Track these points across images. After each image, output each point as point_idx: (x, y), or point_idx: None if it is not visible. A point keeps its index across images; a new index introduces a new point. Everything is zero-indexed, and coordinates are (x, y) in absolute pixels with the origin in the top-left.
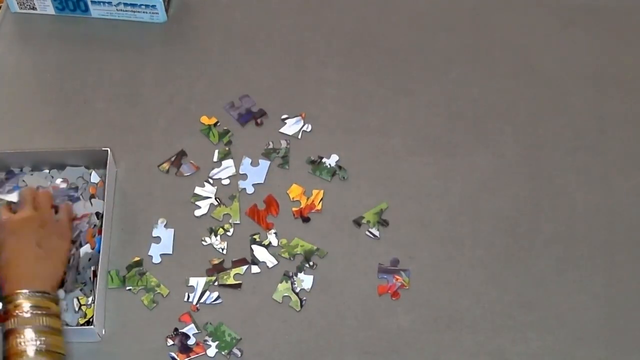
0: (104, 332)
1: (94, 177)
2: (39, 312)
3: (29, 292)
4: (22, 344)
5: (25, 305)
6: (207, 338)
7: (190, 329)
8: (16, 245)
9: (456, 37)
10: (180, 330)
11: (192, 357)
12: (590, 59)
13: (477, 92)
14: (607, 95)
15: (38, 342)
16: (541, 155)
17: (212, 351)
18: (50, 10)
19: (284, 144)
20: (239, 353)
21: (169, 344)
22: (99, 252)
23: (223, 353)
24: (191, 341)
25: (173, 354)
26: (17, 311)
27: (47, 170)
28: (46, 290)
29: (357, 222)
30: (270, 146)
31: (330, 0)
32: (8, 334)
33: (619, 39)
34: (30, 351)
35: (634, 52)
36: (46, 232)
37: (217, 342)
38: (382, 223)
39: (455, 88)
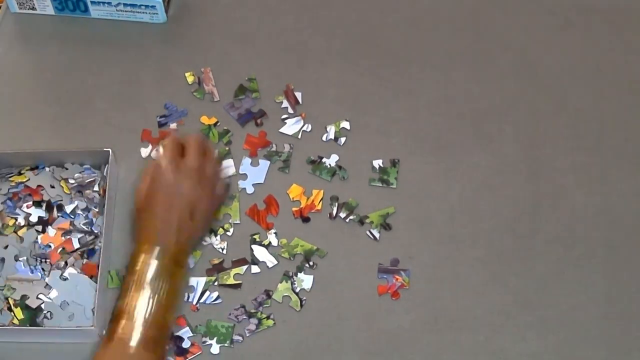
0: (104, 333)
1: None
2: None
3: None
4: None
5: (152, 264)
6: (204, 339)
7: (185, 332)
8: (168, 200)
9: (456, 37)
10: (174, 334)
11: (190, 357)
12: (590, 59)
13: (477, 92)
14: (607, 95)
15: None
16: (541, 155)
17: (215, 349)
18: (50, 11)
19: (287, 147)
20: (240, 338)
21: None
22: None
23: (226, 345)
24: (186, 343)
25: (170, 359)
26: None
27: (47, 168)
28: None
29: (361, 221)
30: (273, 148)
31: (330, 0)
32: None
33: (618, 39)
34: (147, 293)
35: (633, 52)
36: (203, 194)
37: (215, 338)
38: (385, 226)
39: (455, 88)
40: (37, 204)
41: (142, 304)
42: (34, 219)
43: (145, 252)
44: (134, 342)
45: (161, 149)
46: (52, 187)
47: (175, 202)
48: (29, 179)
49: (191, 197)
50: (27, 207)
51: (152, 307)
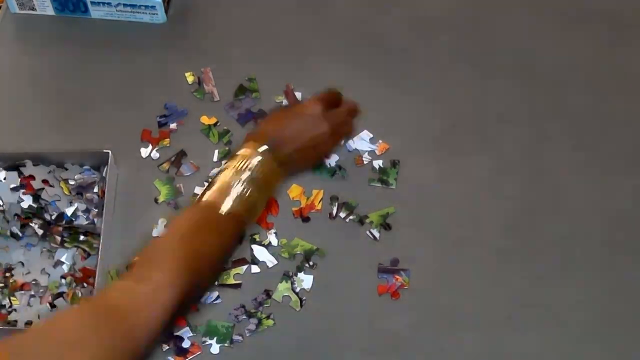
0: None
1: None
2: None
3: (269, 152)
4: (242, 167)
5: (256, 156)
6: (204, 339)
7: (185, 332)
8: (304, 125)
9: (456, 37)
10: (174, 334)
11: (190, 357)
12: (590, 60)
13: (477, 92)
14: (607, 95)
15: (253, 175)
16: (541, 155)
17: (215, 348)
18: (50, 11)
19: None
20: (240, 338)
21: (164, 349)
22: None
23: (226, 345)
24: (186, 343)
25: (170, 359)
26: (248, 156)
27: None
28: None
29: (361, 221)
30: None
31: (330, 0)
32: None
33: (619, 40)
34: (245, 176)
35: (633, 52)
36: (330, 142)
37: (215, 338)
38: (385, 226)
39: (455, 88)
40: (35, 199)
41: (238, 184)
42: (24, 205)
43: (252, 147)
44: (224, 209)
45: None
46: (52, 186)
47: (308, 130)
48: (25, 166)
49: (323, 137)
50: (23, 193)
51: (246, 190)
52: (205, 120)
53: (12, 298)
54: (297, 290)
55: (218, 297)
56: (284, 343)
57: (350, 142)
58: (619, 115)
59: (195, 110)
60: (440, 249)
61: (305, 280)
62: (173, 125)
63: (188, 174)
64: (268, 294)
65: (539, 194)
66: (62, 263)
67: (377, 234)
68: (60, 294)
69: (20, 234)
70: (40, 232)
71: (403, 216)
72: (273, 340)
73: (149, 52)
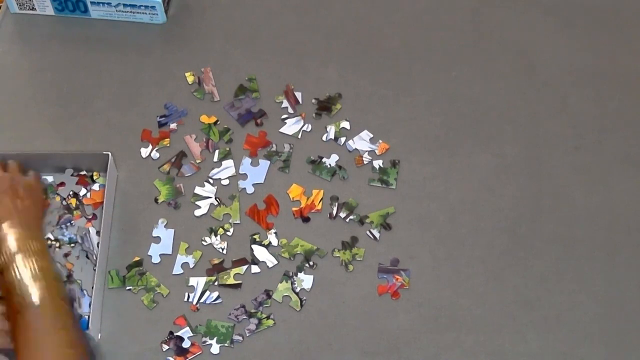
0: (99, 337)
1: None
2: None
3: (9, 223)
4: (17, 273)
5: (10, 237)
6: (204, 339)
7: (185, 332)
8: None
9: (456, 36)
10: (174, 334)
11: (190, 357)
12: (590, 59)
13: (477, 92)
14: (607, 95)
15: (31, 266)
16: (541, 155)
17: (215, 349)
18: (50, 11)
19: (287, 147)
20: (240, 338)
21: (164, 349)
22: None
23: (226, 345)
24: (186, 343)
25: (170, 359)
26: (3, 247)
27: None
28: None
29: (361, 221)
30: (273, 148)
31: (330, 0)
32: (3, 271)
33: (618, 39)
34: (26, 278)
35: (633, 52)
36: (19, 187)
37: (215, 338)
38: (385, 226)
39: (455, 88)
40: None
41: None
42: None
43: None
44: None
45: None
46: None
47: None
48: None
49: (10, 191)
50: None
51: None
52: (205, 119)
53: None
54: (297, 290)
55: (218, 297)
56: (284, 343)
57: (350, 142)
58: (619, 115)
59: (195, 110)
60: (440, 249)
61: (305, 280)
62: (173, 125)
63: (189, 174)
64: (268, 294)
65: (539, 194)
66: None
67: (377, 234)
68: None
69: None
70: None
71: (403, 216)
72: (273, 340)
73: (149, 52)
